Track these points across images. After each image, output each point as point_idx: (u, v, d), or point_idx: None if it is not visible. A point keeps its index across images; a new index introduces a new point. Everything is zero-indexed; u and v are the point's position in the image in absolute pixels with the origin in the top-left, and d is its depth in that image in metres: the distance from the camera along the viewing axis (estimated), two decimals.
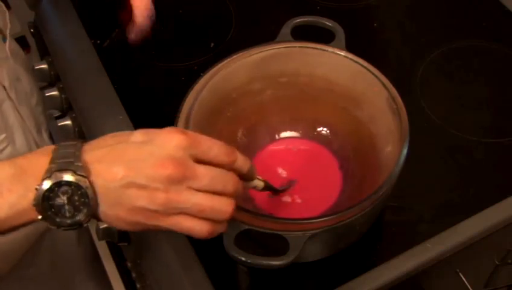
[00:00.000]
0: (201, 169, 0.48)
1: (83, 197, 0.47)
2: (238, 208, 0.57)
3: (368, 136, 0.68)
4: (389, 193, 0.61)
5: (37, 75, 0.92)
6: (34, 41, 1.01)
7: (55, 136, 0.93)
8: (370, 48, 0.84)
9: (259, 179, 0.59)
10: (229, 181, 0.50)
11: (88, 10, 0.93)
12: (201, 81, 0.67)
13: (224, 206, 0.49)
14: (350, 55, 0.68)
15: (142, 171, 0.46)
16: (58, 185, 0.46)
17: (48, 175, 0.46)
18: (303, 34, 0.72)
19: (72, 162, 0.47)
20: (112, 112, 0.80)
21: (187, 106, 0.65)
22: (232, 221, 0.56)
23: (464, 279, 0.70)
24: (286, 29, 0.72)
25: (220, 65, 0.68)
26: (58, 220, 0.47)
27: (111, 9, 0.94)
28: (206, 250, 0.66)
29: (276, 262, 0.55)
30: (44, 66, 0.92)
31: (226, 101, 0.69)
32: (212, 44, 0.87)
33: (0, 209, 0.46)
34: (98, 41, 0.88)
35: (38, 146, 0.84)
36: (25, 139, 0.80)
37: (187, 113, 0.64)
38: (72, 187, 0.46)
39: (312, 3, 0.91)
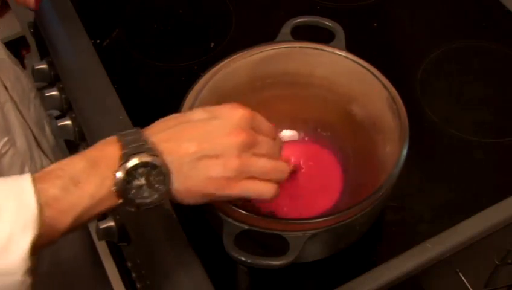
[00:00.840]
0: (262, 137, 0.54)
1: (159, 175, 0.50)
2: (239, 208, 0.57)
3: (368, 136, 0.68)
4: (389, 193, 0.61)
5: (37, 75, 0.92)
6: (34, 41, 1.01)
7: (55, 136, 0.93)
8: (370, 48, 0.84)
9: None
10: (278, 148, 0.56)
11: (88, 10, 0.93)
12: (201, 81, 0.67)
13: (283, 166, 0.55)
14: (350, 55, 0.68)
15: (215, 141, 0.51)
16: (136, 167, 0.49)
17: (124, 160, 0.49)
18: (303, 34, 0.71)
19: (142, 145, 0.50)
20: (112, 111, 0.80)
21: (187, 106, 0.65)
22: (232, 221, 0.56)
23: (463, 279, 0.70)
24: (286, 29, 0.72)
25: (220, 65, 0.68)
26: (138, 201, 0.50)
27: (111, 9, 0.94)
28: (206, 250, 0.66)
29: (276, 262, 0.55)
30: (44, 66, 0.92)
31: (226, 101, 0.69)
32: (212, 44, 0.87)
33: (82, 200, 0.48)
34: (98, 41, 0.88)
35: (38, 142, 0.84)
36: (25, 138, 0.81)
37: None
38: (148, 167, 0.49)
39: (312, 3, 0.91)
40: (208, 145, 0.51)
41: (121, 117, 0.78)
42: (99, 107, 0.81)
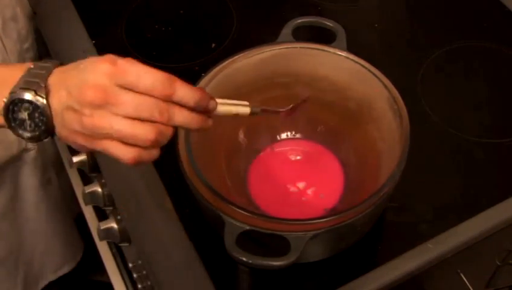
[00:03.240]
0: (126, 96, 0.49)
1: (41, 115, 0.50)
2: (240, 208, 0.57)
3: (369, 137, 0.68)
4: (390, 194, 0.61)
5: None
6: None
7: None
8: (371, 49, 0.84)
9: (235, 104, 0.57)
10: (156, 109, 0.50)
11: (89, 10, 0.93)
12: (203, 82, 0.67)
13: (147, 134, 0.50)
14: (351, 56, 0.68)
15: (74, 96, 0.49)
16: (21, 101, 0.50)
17: (13, 90, 0.50)
18: (304, 34, 0.72)
19: (37, 82, 0.50)
20: None
21: None
22: (233, 221, 0.56)
23: (465, 279, 0.70)
24: (287, 30, 0.72)
25: (221, 66, 0.68)
26: (20, 131, 0.52)
27: (112, 9, 0.94)
28: (208, 250, 0.66)
29: (277, 263, 0.55)
30: None
31: None
32: (213, 44, 0.87)
33: None
34: (99, 41, 0.88)
35: None
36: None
37: None
38: (32, 105, 0.50)
39: (313, 4, 0.91)
40: (71, 98, 0.49)
41: None
42: None
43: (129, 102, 0.49)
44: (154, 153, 0.52)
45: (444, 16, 0.89)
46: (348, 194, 0.69)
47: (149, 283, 0.72)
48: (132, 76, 0.49)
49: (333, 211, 0.67)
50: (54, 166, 0.99)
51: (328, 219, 0.57)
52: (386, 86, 0.65)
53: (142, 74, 0.49)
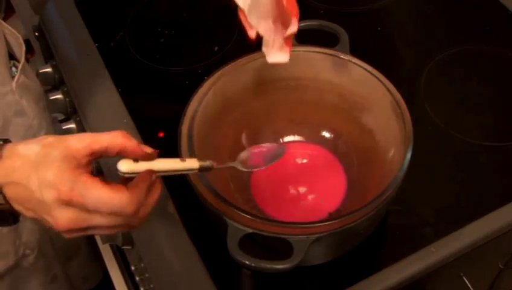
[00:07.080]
0: None
1: None
2: (243, 211, 0.57)
3: (372, 140, 0.68)
4: (393, 197, 0.61)
5: (42, 78, 0.92)
6: (38, 44, 1.01)
7: None
8: (374, 52, 0.84)
9: (180, 161, 0.56)
10: None
11: (92, 13, 0.93)
12: (206, 85, 0.67)
13: None
14: (354, 59, 0.68)
15: None
16: None
17: None
18: (307, 38, 0.72)
19: None
20: (116, 115, 0.80)
21: (191, 109, 0.65)
22: (236, 224, 0.56)
23: (467, 283, 0.70)
24: None
25: (224, 69, 0.69)
26: None
27: (115, 12, 0.94)
28: (210, 253, 0.66)
29: (280, 266, 0.55)
30: (48, 69, 0.92)
31: (230, 105, 0.70)
32: (216, 48, 0.87)
33: None
34: (102, 45, 0.88)
35: None
36: None
37: (191, 116, 0.65)
38: None
39: (316, 7, 0.91)
40: None
41: (125, 120, 0.79)
42: (104, 111, 0.81)
43: None
44: None
45: (447, 19, 0.89)
46: (351, 198, 0.69)
47: (151, 286, 0.72)
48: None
49: (336, 215, 0.67)
50: (58, 260, 0.94)
51: (330, 222, 0.57)
52: (388, 90, 0.65)
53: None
